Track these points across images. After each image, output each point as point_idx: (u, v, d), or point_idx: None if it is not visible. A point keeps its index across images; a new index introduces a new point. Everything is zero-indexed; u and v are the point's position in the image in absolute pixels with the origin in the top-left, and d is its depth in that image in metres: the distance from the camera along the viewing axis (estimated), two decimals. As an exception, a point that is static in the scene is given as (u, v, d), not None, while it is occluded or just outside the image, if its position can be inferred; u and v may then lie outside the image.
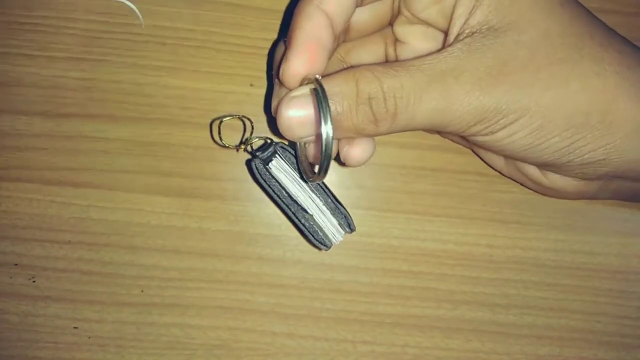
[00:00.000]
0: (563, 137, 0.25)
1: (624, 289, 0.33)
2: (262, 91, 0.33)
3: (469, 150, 0.33)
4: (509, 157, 0.29)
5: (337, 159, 0.27)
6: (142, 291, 0.33)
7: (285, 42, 0.26)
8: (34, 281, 0.33)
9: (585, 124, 0.24)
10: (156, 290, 0.33)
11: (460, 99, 0.23)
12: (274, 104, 0.26)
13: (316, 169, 0.25)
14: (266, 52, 0.33)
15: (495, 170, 0.33)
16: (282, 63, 0.24)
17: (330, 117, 0.22)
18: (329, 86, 0.23)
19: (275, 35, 0.33)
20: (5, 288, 0.32)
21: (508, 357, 0.33)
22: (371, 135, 0.26)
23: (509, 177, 0.33)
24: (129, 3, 0.33)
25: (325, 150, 0.22)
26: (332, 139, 0.22)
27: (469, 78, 0.23)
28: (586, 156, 0.25)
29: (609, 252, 0.34)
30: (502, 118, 0.24)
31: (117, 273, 0.33)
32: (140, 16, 0.33)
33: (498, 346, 0.33)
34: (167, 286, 0.33)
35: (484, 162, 0.33)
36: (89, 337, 0.33)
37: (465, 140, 0.31)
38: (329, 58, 0.25)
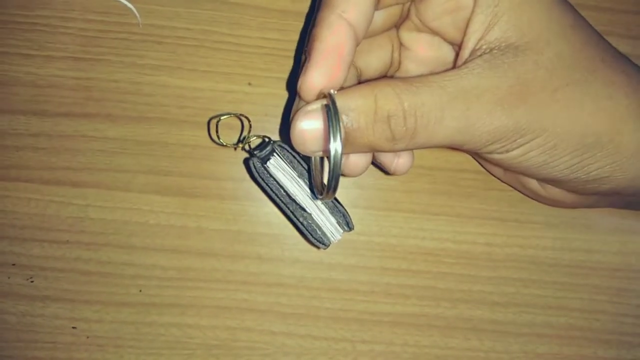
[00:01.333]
0: (574, 155, 0.25)
1: (623, 287, 0.33)
2: (261, 90, 0.33)
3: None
4: (520, 173, 0.29)
5: (376, 165, 0.27)
6: (141, 291, 0.33)
7: (305, 52, 0.25)
8: (32, 281, 0.33)
9: (596, 143, 0.25)
10: (155, 290, 0.33)
11: (482, 119, 0.23)
12: (292, 115, 0.26)
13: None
14: (264, 51, 0.33)
15: (494, 176, 0.33)
16: (300, 76, 0.24)
17: (340, 134, 0.21)
18: (346, 101, 0.22)
19: (274, 35, 0.33)
20: (3, 288, 0.32)
21: (507, 355, 0.33)
22: (386, 152, 0.25)
23: (506, 183, 0.33)
24: (126, 2, 0.33)
25: (334, 167, 0.21)
26: (341, 156, 0.21)
27: (491, 97, 0.23)
28: (592, 173, 0.26)
29: (608, 250, 0.34)
30: (520, 137, 0.24)
31: (116, 273, 0.33)
32: (137, 15, 0.33)
33: (497, 345, 0.33)
34: (165, 286, 0.33)
35: (484, 168, 0.33)
36: (88, 337, 0.32)
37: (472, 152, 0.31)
38: (349, 69, 0.25)
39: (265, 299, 0.33)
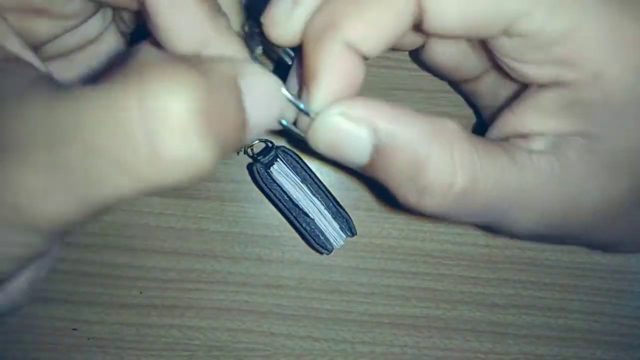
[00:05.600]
0: None
1: (622, 289, 0.34)
2: (261, 92, 0.33)
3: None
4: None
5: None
6: (141, 292, 0.33)
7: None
8: (32, 283, 0.32)
9: None
10: (155, 291, 0.33)
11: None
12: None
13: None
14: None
15: None
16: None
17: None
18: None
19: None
20: (4, 290, 0.32)
21: (507, 357, 0.33)
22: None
23: None
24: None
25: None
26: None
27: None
28: None
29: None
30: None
31: (116, 274, 0.33)
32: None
33: (496, 346, 0.33)
34: (166, 287, 0.33)
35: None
36: (88, 339, 0.33)
37: None
38: None
39: (266, 300, 0.33)
